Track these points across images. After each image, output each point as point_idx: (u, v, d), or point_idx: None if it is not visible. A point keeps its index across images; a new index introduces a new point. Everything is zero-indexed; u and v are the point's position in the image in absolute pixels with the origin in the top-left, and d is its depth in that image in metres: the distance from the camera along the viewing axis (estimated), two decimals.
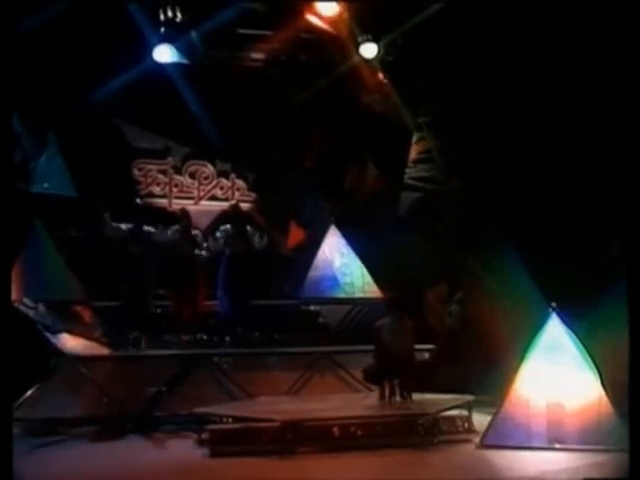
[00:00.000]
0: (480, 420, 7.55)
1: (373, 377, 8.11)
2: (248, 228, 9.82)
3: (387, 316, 8.09)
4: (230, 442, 6.95)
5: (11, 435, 4.79)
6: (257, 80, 11.46)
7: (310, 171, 11.93)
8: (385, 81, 11.47)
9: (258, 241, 9.97)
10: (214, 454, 6.87)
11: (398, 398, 7.84)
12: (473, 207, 9.87)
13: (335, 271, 10.82)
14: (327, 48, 11.26)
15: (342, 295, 10.79)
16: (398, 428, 7.21)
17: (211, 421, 7.43)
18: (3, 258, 4.84)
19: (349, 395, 8.72)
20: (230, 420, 7.36)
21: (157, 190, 11.80)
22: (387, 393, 7.89)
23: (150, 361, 8.93)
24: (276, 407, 7.70)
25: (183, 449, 7.23)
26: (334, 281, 10.79)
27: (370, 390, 8.51)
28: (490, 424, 7.11)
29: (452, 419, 7.57)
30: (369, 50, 11.08)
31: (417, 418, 7.21)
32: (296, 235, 11.87)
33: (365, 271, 10.82)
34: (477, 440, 7.14)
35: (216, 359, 8.98)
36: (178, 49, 10.87)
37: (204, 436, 7.20)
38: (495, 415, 7.14)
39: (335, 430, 7.08)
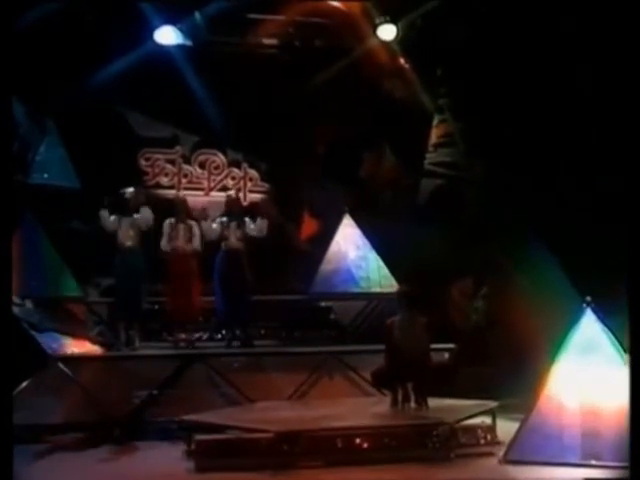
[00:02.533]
0: (505, 428, 6.83)
1: (382, 380, 7.37)
2: (246, 220, 9.15)
3: (399, 312, 7.35)
4: (218, 455, 6.24)
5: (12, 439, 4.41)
6: (269, 65, 10.93)
7: (325, 159, 11.40)
8: (405, 65, 10.98)
9: (257, 233, 9.23)
10: (200, 468, 6.16)
11: (412, 404, 7.15)
12: (497, 195, 9.33)
13: (349, 264, 10.15)
14: (342, 30, 10.75)
15: (356, 290, 10.09)
16: (410, 440, 6.43)
17: (203, 429, 6.70)
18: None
19: (358, 400, 8.00)
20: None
21: (165, 181, 11.29)
22: (400, 398, 7.19)
23: (142, 362, 8.23)
24: (274, 414, 7.00)
25: (168, 461, 6.54)
26: (348, 275, 10.11)
27: (383, 394, 7.78)
28: (516, 435, 6.34)
29: (473, 429, 6.83)
30: (387, 32, 10.52)
31: (432, 428, 6.44)
32: (310, 226, 11.37)
33: (382, 264, 10.14)
34: (501, 454, 6.35)
35: (223, 359, 8.38)
36: (181, 30, 10.42)
37: (192, 447, 6.52)
38: (522, 424, 6.38)
39: (338, 442, 6.34)
